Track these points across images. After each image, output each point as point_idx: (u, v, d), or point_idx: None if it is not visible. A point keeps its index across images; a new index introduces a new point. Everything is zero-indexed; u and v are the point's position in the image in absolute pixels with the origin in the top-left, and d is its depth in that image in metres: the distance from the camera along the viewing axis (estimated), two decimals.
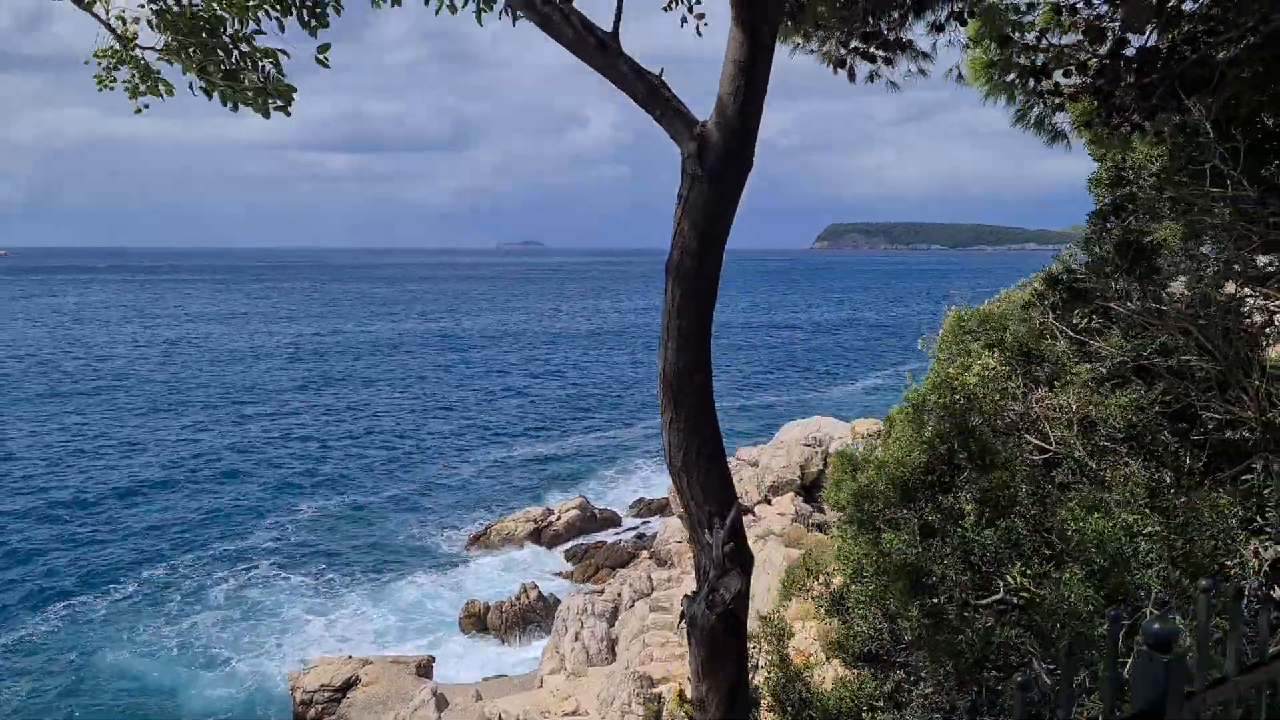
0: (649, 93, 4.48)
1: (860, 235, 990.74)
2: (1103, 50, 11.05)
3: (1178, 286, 10.29)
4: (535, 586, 38.53)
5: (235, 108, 5.53)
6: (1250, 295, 7.63)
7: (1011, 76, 11.33)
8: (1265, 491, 7.28)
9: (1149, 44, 10.75)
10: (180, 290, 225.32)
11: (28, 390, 79.74)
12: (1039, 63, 10.98)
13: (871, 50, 9.59)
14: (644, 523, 49.51)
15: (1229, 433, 7.53)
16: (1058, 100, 10.97)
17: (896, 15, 9.18)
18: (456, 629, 37.33)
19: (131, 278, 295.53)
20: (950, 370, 10.37)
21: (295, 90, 5.67)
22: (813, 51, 9.72)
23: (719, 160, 4.38)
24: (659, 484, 52.83)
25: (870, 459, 11.47)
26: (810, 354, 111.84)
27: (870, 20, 9.37)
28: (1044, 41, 10.87)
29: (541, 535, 47.23)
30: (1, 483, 51.54)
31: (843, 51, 9.60)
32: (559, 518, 48.52)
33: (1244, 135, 7.99)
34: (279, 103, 5.69)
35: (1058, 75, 11.39)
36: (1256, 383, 5.97)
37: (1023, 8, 10.20)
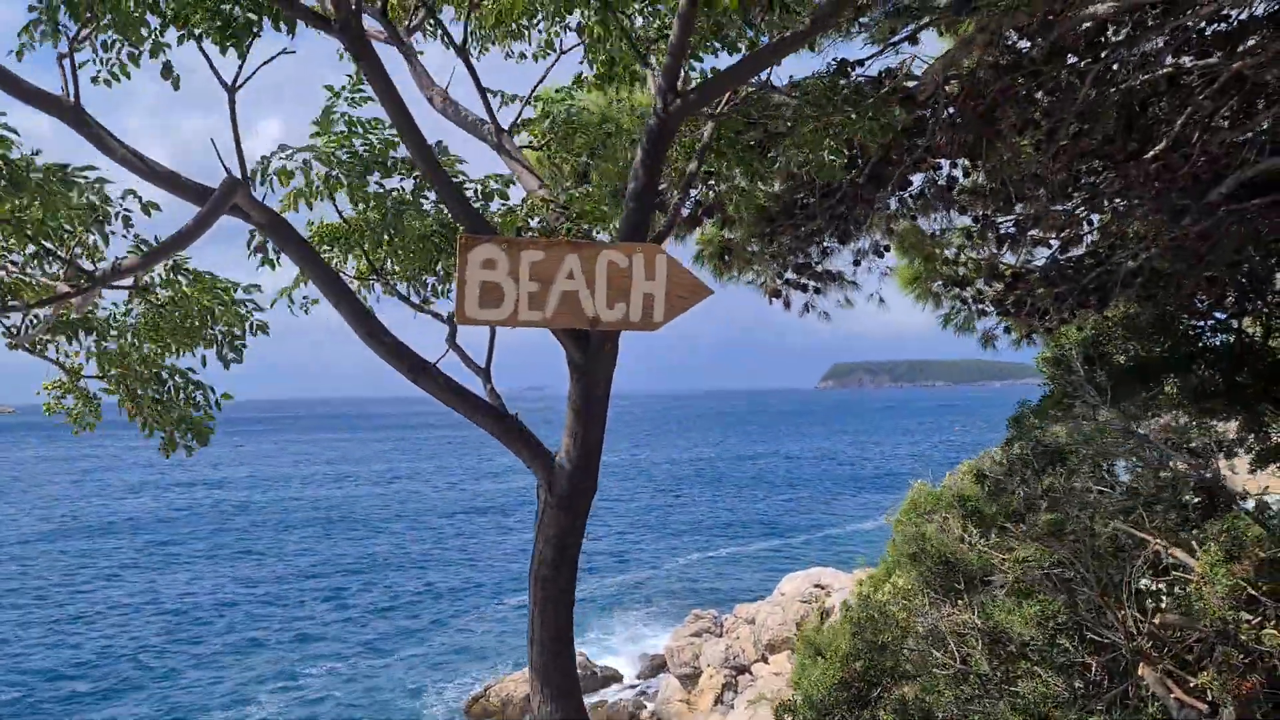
0: (504, 431, 5.27)
1: (866, 374, 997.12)
2: (1015, 261, 12.20)
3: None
4: None
5: (150, 433, 6.26)
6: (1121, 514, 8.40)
7: (937, 285, 12.42)
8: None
9: (1060, 256, 11.89)
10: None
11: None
12: (960, 274, 12.08)
13: (803, 281, 10.59)
14: (646, 682, 48.84)
15: (1108, 655, 8.22)
16: (980, 307, 12.02)
17: (818, 250, 10.21)
18: None
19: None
20: (863, 587, 11.10)
21: (213, 432, 6.41)
22: (749, 282, 10.73)
23: (567, 489, 5.15)
24: (663, 635, 52.36)
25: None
26: (817, 494, 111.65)
27: (798, 255, 10.41)
28: (962, 256, 11.99)
29: None
30: None
31: (778, 282, 10.60)
32: None
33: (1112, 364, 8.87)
34: (193, 443, 6.42)
35: (979, 284, 12.52)
36: (1124, 609, 6.69)
37: (938, 233, 11.29)
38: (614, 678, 49.37)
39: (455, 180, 5.43)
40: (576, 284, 4.31)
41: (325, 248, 5.90)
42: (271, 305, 6.13)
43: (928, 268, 12.12)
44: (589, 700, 45.84)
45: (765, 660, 39.82)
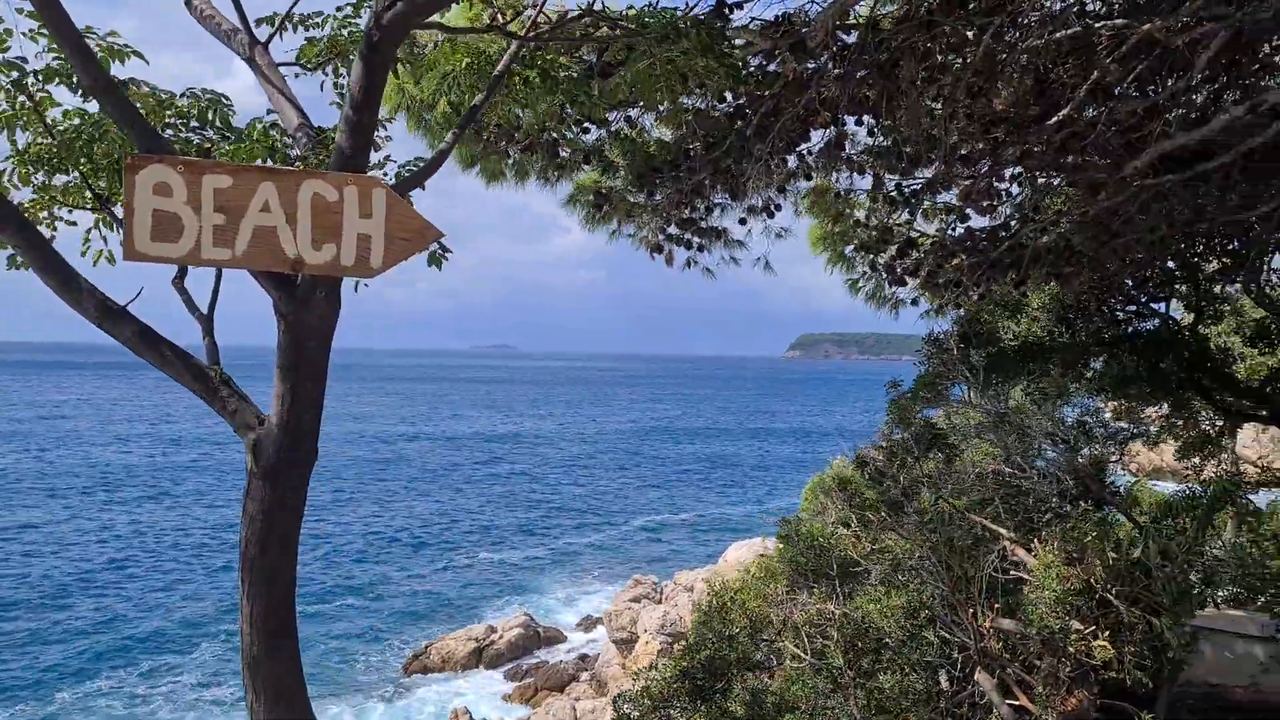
0: (205, 389, 4.57)
1: (833, 345, 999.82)
2: (932, 230, 11.65)
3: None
4: (467, 712, 37.71)
5: None
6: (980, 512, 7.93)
7: (850, 248, 11.86)
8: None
9: (975, 227, 11.36)
10: (130, 382, 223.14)
11: None
12: (870, 238, 11.52)
13: (687, 237, 10.00)
14: (589, 640, 48.69)
15: (960, 654, 7.76)
16: (891, 276, 11.48)
17: (704, 206, 9.61)
18: None
19: (103, 373, 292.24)
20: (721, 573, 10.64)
21: None
22: (629, 236, 10.13)
23: (274, 458, 4.48)
24: (608, 596, 52.15)
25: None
26: (774, 464, 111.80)
27: (683, 209, 9.80)
28: (873, 220, 11.42)
29: (483, 655, 46.33)
30: None
31: (660, 237, 10.01)
32: (501, 636, 47.68)
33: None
34: None
35: (893, 249, 11.98)
36: (974, 607, 6.20)
37: (844, 193, 10.72)
38: (556, 639, 49.22)
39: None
40: (274, 218, 3.61)
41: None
42: None
43: (838, 230, 11.56)
44: (528, 661, 45.72)
45: None
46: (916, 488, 9.14)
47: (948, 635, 7.61)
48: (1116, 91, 8.72)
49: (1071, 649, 6.09)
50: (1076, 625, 6.16)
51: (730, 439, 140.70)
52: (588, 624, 51.23)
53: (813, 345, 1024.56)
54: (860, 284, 11.62)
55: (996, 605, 7.35)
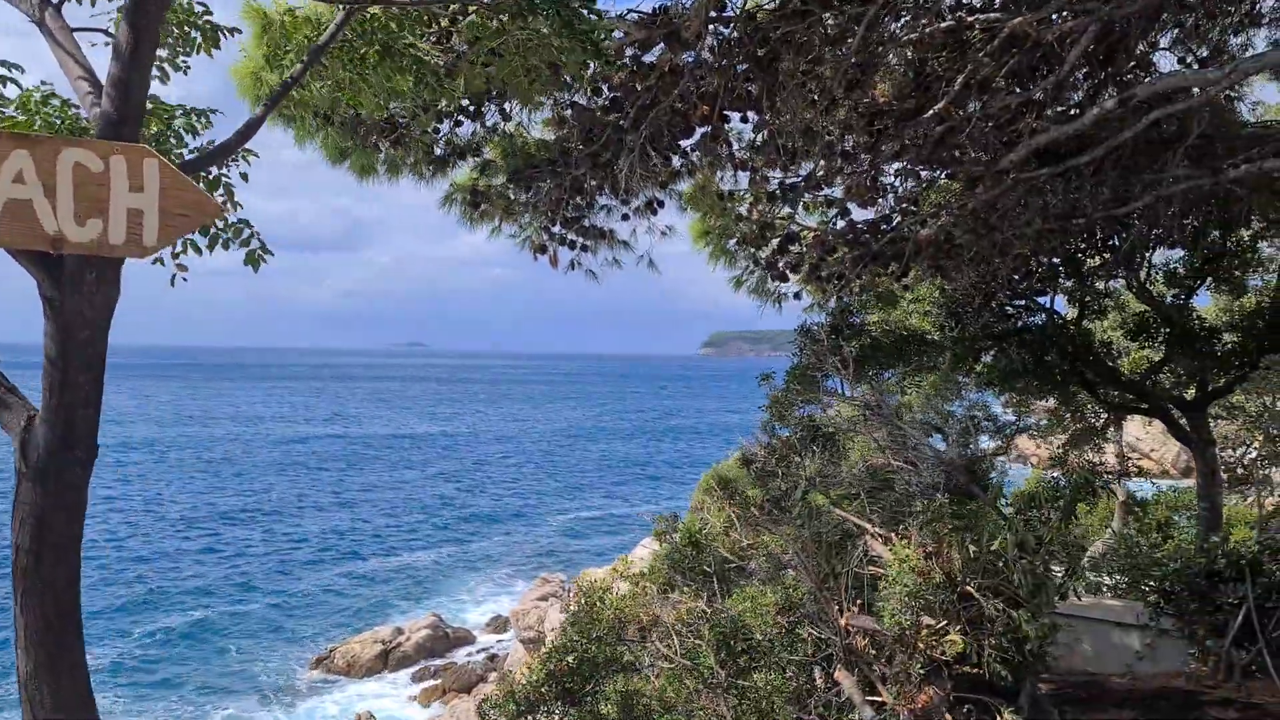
0: None
1: (745, 343, 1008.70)
2: (814, 224, 11.61)
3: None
4: (371, 716, 36.98)
5: None
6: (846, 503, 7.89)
7: (733, 242, 11.76)
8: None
9: (857, 220, 11.36)
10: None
11: None
12: (753, 233, 11.42)
13: (571, 237, 9.78)
14: (498, 641, 48.19)
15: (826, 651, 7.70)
16: (773, 272, 11.40)
17: (585, 203, 9.41)
18: None
19: None
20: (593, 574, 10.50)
21: None
22: (511, 236, 9.87)
23: (44, 458, 4.10)
24: (517, 595, 51.67)
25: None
26: (685, 462, 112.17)
27: (564, 208, 9.59)
28: (754, 213, 11.34)
29: (389, 657, 45.46)
30: None
31: (544, 237, 9.78)
32: (409, 638, 46.88)
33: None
34: None
35: (774, 243, 11.92)
36: (839, 602, 6.10)
37: (730, 191, 10.61)
38: (465, 640, 48.59)
39: None
40: (29, 190, 3.21)
41: None
42: None
43: (720, 224, 11.44)
44: (436, 663, 45.06)
45: None
46: (798, 484, 9.07)
47: (817, 633, 7.53)
48: (993, 86, 8.76)
49: (922, 644, 6.02)
50: (928, 620, 6.08)
51: (644, 438, 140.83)
52: (497, 624, 50.68)
53: (726, 343, 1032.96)
54: (744, 279, 11.52)
55: (860, 601, 7.29)
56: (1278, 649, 9.98)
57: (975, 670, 6.29)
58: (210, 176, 4.83)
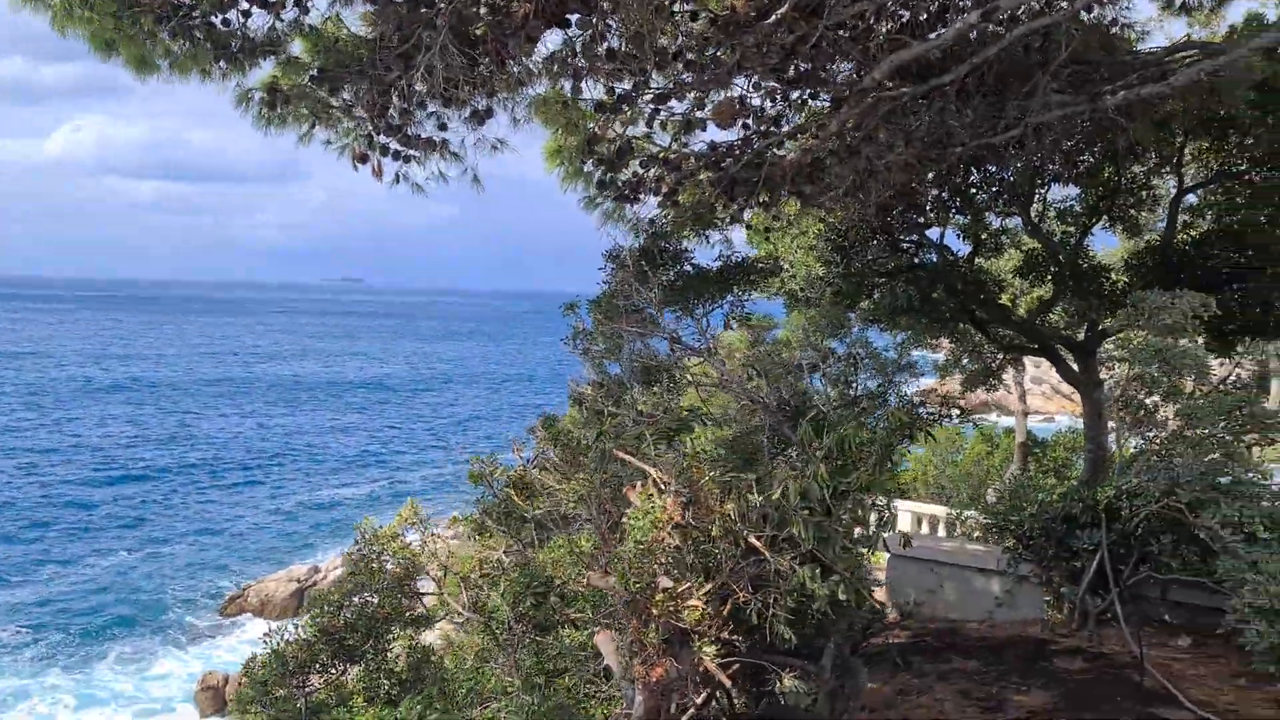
0: None
1: None
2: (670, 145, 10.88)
3: None
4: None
5: None
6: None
7: (589, 164, 10.99)
8: None
9: (718, 142, 10.64)
10: None
11: None
12: (610, 152, 10.66)
13: (395, 147, 8.94)
14: (422, 578, 47.56)
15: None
16: (619, 193, 10.70)
17: (403, 109, 8.55)
18: (193, 705, 34.59)
19: None
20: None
21: None
22: (328, 144, 9.01)
23: None
24: (442, 530, 50.90)
25: None
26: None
27: (390, 115, 8.74)
28: (611, 132, 10.56)
29: (304, 596, 44.73)
30: None
31: (365, 146, 8.94)
32: (325, 576, 46.14)
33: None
34: None
35: (636, 165, 11.17)
36: (621, 552, 5.49)
37: (570, 101, 9.79)
38: None
39: None
40: None
41: None
42: None
43: (574, 143, 10.66)
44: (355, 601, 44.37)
45: None
46: (626, 425, 8.42)
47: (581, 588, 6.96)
48: None
49: (656, 610, 5.37)
50: (665, 582, 5.44)
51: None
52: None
53: None
54: (597, 200, 10.74)
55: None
56: (1129, 597, 9.65)
57: (751, 632, 5.69)
58: None
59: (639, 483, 5.76)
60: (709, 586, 5.36)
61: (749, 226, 13.22)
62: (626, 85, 9.39)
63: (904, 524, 17.14)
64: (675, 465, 5.63)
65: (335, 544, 51.79)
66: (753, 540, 5.41)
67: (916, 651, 9.88)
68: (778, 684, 6.36)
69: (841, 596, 5.39)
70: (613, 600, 5.78)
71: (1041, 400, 71.17)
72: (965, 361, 19.41)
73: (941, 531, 16.29)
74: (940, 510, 16.75)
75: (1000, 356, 18.60)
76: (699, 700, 5.57)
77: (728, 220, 11.53)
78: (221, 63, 8.21)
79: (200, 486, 63.28)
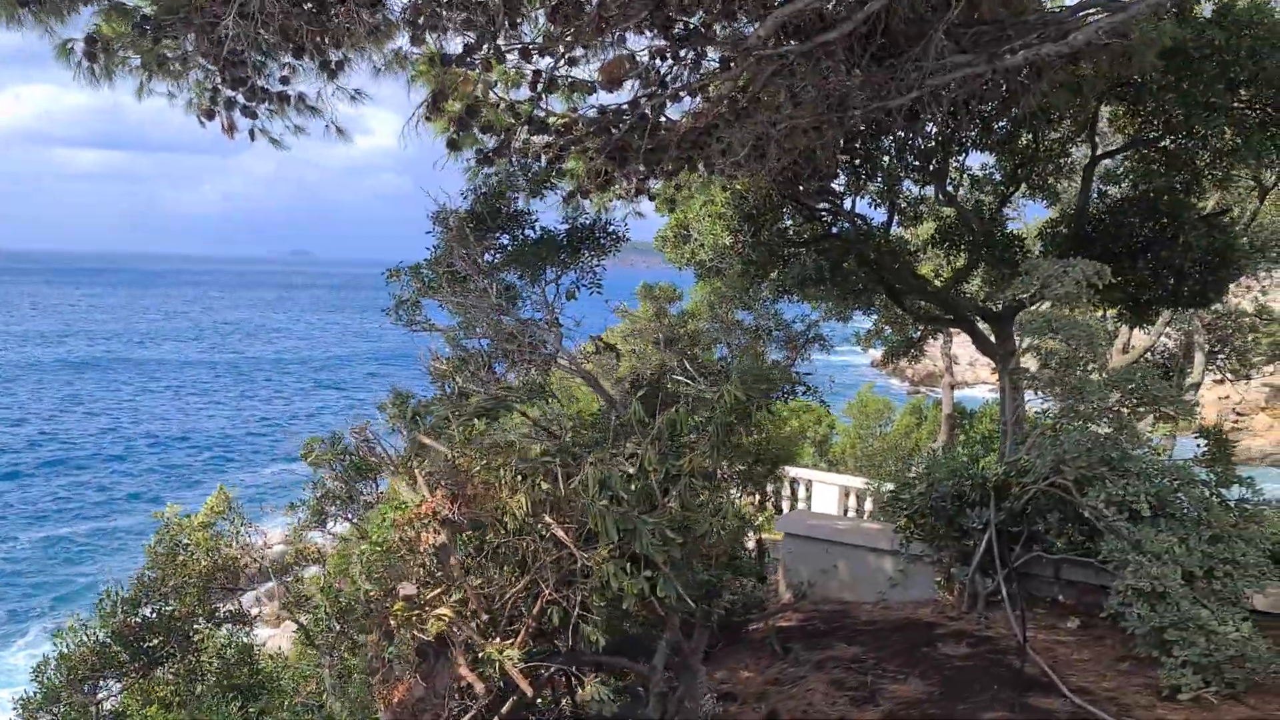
0: None
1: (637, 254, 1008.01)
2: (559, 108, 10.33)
3: None
4: None
5: None
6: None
7: (479, 130, 10.42)
8: None
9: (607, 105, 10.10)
10: None
11: None
12: (499, 117, 10.10)
13: (243, 101, 8.32)
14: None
15: None
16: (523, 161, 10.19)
17: (237, 60, 7.92)
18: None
19: None
20: None
21: None
22: (169, 96, 8.37)
23: None
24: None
25: None
26: None
27: (239, 68, 8.11)
28: (500, 100, 10.01)
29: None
30: None
31: (209, 100, 8.31)
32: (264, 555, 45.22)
33: None
34: None
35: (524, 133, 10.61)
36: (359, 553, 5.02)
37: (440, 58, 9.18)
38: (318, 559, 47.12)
39: None
40: None
41: None
42: None
43: (460, 107, 10.05)
44: (268, 585, 43.25)
45: None
46: (489, 401, 7.91)
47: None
48: None
49: (395, 621, 4.88)
50: (407, 589, 4.93)
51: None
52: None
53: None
54: (476, 171, 10.15)
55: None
56: (1020, 576, 9.35)
57: (544, 634, 5.23)
58: None
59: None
60: (519, 586, 4.89)
61: (651, 197, 12.69)
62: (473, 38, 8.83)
63: (830, 499, 16.79)
64: (443, 454, 5.14)
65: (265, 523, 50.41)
66: (558, 533, 4.94)
67: (802, 636, 9.52)
68: (579, 692, 5.89)
69: (660, 593, 4.95)
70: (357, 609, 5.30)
71: (987, 371, 71.44)
72: (887, 332, 19.09)
73: (869, 506, 15.88)
74: (858, 483, 16.39)
75: (922, 328, 18.28)
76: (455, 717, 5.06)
77: (633, 191, 11.01)
78: (30, 6, 7.53)
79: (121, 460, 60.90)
